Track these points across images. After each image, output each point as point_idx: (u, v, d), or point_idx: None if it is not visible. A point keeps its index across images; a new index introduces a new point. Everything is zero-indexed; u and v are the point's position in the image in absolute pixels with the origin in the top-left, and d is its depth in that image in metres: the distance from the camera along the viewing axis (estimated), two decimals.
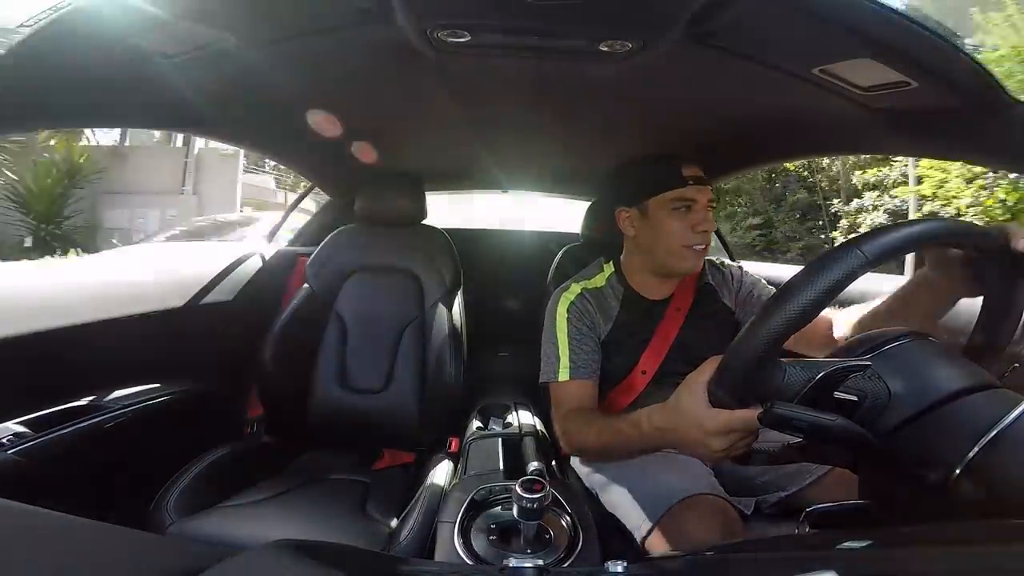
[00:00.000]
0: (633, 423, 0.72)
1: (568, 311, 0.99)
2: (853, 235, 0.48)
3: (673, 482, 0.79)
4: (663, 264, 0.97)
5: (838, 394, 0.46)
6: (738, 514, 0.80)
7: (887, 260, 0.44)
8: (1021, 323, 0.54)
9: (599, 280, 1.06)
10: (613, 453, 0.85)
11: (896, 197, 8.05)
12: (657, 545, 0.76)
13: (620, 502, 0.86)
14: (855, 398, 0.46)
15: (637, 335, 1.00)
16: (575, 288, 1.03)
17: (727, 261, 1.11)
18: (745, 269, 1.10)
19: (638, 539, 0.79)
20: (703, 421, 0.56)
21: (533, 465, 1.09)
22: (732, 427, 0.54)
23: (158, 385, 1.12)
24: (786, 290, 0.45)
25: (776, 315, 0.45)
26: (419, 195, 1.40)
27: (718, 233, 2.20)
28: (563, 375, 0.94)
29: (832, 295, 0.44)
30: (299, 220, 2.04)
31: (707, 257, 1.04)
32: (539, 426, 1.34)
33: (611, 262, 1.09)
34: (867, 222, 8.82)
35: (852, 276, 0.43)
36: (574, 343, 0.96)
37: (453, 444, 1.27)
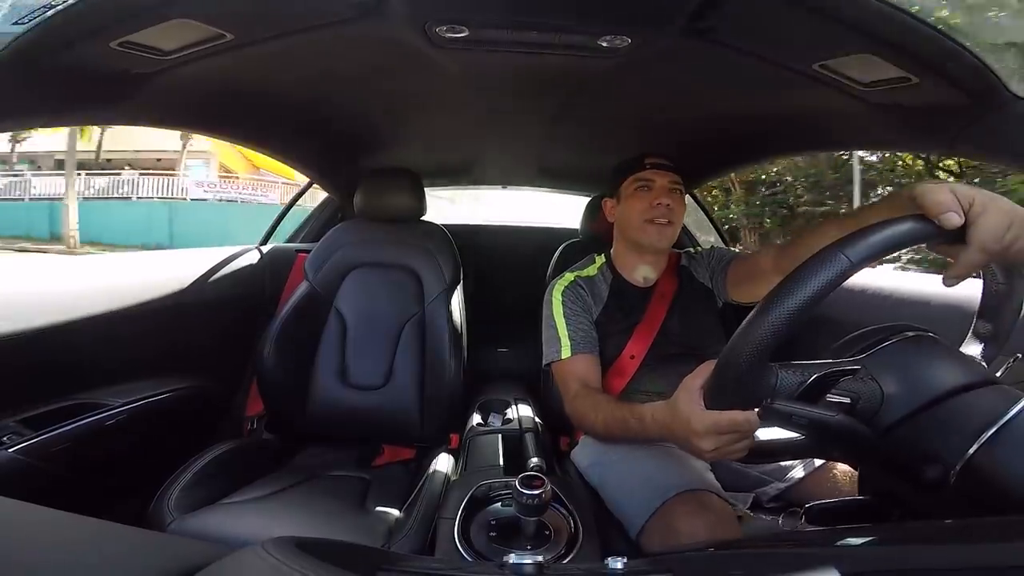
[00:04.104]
0: (638, 417, 0.74)
1: (563, 294, 1.06)
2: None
3: (667, 478, 0.80)
4: (634, 239, 1.07)
5: (831, 397, 0.46)
6: (733, 510, 0.80)
7: (871, 262, 0.43)
8: (1020, 317, 0.54)
9: (591, 270, 1.13)
10: (617, 440, 0.89)
11: None
12: (650, 540, 0.76)
13: (617, 498, 0.87)
14: (848, 400, 0.46)
15: (626, 320, 1.05)
16: (569, 276, 1.10)
17: (698, 247, 1.20)
18: (713, 246, 1.19)
19: (632, 535, 0.80)
20: (692, 421, 0.57)
21: (533, 461, 1.10)
22: (720, 428, 0.55)
23: (158, 382, 1.12)
24: (773, 296, 0.45)
25: (764, 321, 0.44)
26: (418, 191, 1.40)
27: (713, 224, 2.21)
28: (565, 352, 0.99)
29: (818, 300, 0.43)
30: None
31: (685, 249, 1.18)
32: (539, 422, 1.34)
33: (603, 254, 1.17)
34: None
35: (837, 280, 0.43)
36: (571, 322, 1.02)
37: (453, 440, 1.27)
